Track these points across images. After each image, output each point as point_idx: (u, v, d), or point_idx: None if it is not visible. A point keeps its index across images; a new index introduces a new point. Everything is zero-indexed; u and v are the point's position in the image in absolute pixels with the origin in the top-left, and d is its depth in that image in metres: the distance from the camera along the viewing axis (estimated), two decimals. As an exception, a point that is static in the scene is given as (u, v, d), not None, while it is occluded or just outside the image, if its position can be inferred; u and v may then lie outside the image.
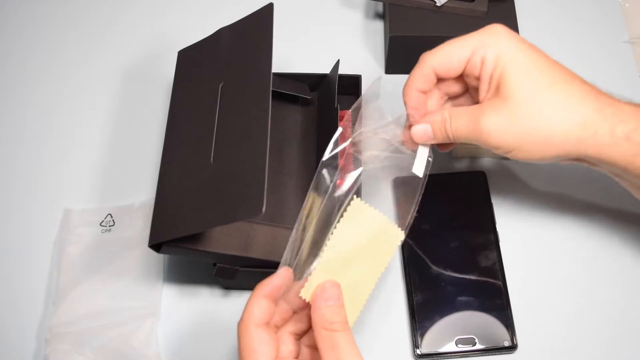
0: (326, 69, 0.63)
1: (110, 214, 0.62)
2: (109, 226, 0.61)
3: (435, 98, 0.52)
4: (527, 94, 0.46)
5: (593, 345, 0.56)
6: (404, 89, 0.51)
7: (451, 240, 0.60)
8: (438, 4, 0.65)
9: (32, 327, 0.58)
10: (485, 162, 0.64)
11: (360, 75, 0.64)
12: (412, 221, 0.49)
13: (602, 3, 0.74)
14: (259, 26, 0.54)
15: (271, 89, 0.49)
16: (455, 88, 0.51)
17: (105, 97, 0.70)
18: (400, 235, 0.46)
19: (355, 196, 0.46)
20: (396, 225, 0.47)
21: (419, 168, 0.51)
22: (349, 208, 0.46)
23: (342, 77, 0.61)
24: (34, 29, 0.74)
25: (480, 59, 0.47)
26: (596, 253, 0.60)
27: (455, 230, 0.60)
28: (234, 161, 0.49)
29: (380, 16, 0.73)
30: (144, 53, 0.72)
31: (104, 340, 0.56)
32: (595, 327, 0.57)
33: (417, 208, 0.50)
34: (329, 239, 0.45)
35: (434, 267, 0.58)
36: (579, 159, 0.49)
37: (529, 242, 0.60)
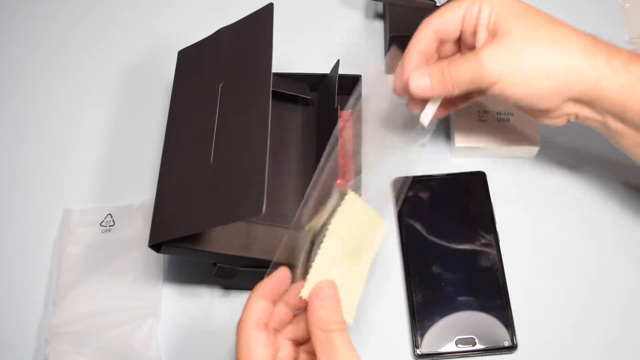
0: (326, 69, 0.63)
1: (110, 214, 0.62)
2: (109, 226, 0.61)
3: (427, 42, 0.53)
4: (525, 31, 0.48)
5: (593, 345, 0.56)
6: (404, 54, 0.52)
7: (451, 240, 0.60)
8: (438, 4, 0.65)
9: (32, 327, 0.58)
10: (485, 162, 0.64)
11: (360, 75, 0.64)
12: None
13: (602, 3, 0.74)
14: (259, 26, 0.54)
15: (271, 89, 0.49)
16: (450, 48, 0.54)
17: (105, 97, 0.70)
18: (384, 228, 0.47)
19: (349, 190, 0.47)
20: (381, 217, 0.47)
21: (425, 119, 0.53)
22: (343, 202, 0.46)
23: (342, 77, 0.61)
24: (34, 29, 0.74)
25: (476, 11, 0.49)
26: (596, 253, 0.60)
27: (456, 230, 0.60)
28: (234, 161, 0.49)
29: (380, 16, 0.73)
30: (144, 53, 0.72)
31: (104, 340, 0.56)
32: (596, 327, 0.57)
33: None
34: (324, 236, 0.45)
35: (434, 267, 0.58)
36: (578, 100, 0.49)
37: (529, 242, 0.60)
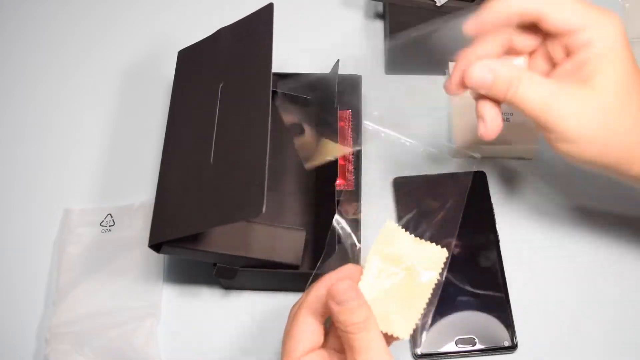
0: (326, 69, 0.63)
1: (110, 214, 0.62)
2: (109, 226, 0.61)
3: (493, 43, 0.47)
4: (623, 89, 0.43)
5: (593, 346, 0.56)
6: (485, 10, 0.44)
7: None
8: (438, 4, 0.65)
9: (32, 327, 0.58)
10: (485, 162, 0.64)
11: (360, 75, 0.64)
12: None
13: (602, 3, 0.73)
14: (259, 26, 0.54)
15: (271, 89, 0.49)
16: (527, 43, 0.46)
17: (105, 97, 0.70)
18: (444, 253, 0.46)
19: (388, 219, 0.46)
20: (435, 245, 0.46)
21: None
22: (382, 230, 0.46)
23: (342, 77, 0.61)
24: (34, 29, 0.74)
25: (587, 37, 0.43)
26: (596, 253, 0.60)
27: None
28: (234, 161, 0.49)
29: (380, 16, 0.73)
30: (144, 53, 0.72)
31: (104, 340, 0.56)
32: (596, 327, 0.57)
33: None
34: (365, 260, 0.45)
35: (434, 267, 0.58)
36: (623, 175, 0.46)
37: (529, 242, 0.60)
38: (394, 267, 0.45)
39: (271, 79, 0.50)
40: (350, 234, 0.56)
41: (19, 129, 0.68)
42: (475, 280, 0.58)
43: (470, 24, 0.45)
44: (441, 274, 0.45)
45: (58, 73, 0.71)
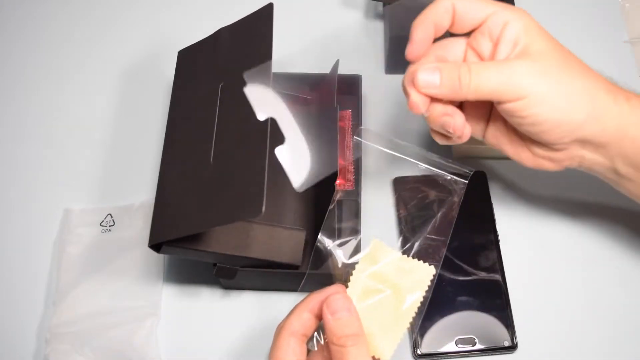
0: (326, 69, 0.63)
1: (110, 214, 0.62)
2: (109, 226, 0.61)
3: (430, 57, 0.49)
4: (559, 56, 0.46)
5: (593, 346, 0.56)
6: (414, 21, 0.48)
7: (451, 240, 0.59)
8: (438, 4, 0.65)
9: (32, 327, 0.58)
10: (486, 162, 0.64)
11: (360, 75, 0.64)
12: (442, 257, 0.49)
13: (602, 3, 0.74)
14: (258, 26, 0.54)
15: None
16: (459, 50, 0.50)
17: (105, 97, 0.70)
18: (431, 270, 0.47)
19: (374, 238, 0.48)
20: (423, 262, 0.47)
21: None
22: (367, 250, 0.47)
23: (342, 77, 0.61)
24: (34, 29, 0.74)
25: (502, 21, 0.46)
26: (596, 253, 0.60)
27: (455, 230, 0.60)
28: (234, 161, 0.49)
29: (380, 16, 0.73)
30: (144, 53, 0.72)
31: (104, 340, 0.56)
32: (596, 327, 0.57)
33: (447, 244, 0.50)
34: (351, 275, 0.46)
35: (434, 267, 0.58)
36: (590, 142, 0.47)
37: (529, 242, 0.60)
38: (379, 285, 0.45)
39: (271, 78, 0.50)
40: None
41: (19, 129, 0.68)
42: (475, 280, 0.58)
43: (410, 52, 0.48)
44: (427, 292, 0.46)
45: (58, 73, 0.71)
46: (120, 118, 0.68)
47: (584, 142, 0.47)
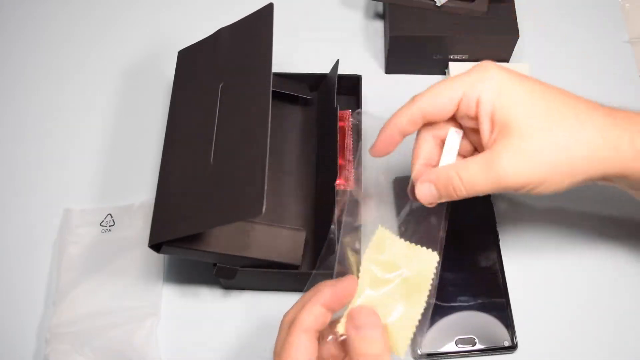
0: (326, 69, 0.63)
1: (110, 214, 0.62)
2: (109, 226, 0.61)
3: (429, 144, 0.49)
4: (540, 127, 0.43)
5: (593, 346, 0.56)
6: (385, 124, 0.48)
7: (451, 241, 0.59)
8: (438, 4, 0.65)
9: (32, 327, 0.58)
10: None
11: (360, 75, 0.64)
12: (443, 242, 0.48)
13: (602, 3, 0.74)
14: (259, 26, 0.54)
15: (271, 88, 0.49)
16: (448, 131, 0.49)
17: (105, 97, 0.70)
18: (435, 257, 0.46)
19: (380, 225, 0.47)
20: (426, 249, 0.46)
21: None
22: (374, 237, 0.46)
23: (342, 77, 0.61)
24: (34, 29, 0.74)
25: (474, 99, 0.45)
26: (596, 253, 0.60)
27: (455, 230, 0.60)
28: (234, 161, 0.49)
29: (380, 16, 0.73)
30: (144, 53, 0.72)
31: (104, 340, 0.56)
32: (595, 328, 0.57)
33: (446, 228, 0.49)
34: (360, 264, 0.45)
35: (434, 267, 0.58)
36: (602, 179, 0.46)
37: (529, 242, 0.60)
38: (387, 275, 0.44)
39: (271, 78, 0.50)
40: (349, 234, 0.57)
41: (19, 129, 0.68)
42: (475, 280, 0.58)
43: (372, 152, 0.49)
44: (434, 279, 0.45)
45: (58, 73, 0.71)
46: (120, 118, 0.68)
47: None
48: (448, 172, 0.45)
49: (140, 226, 0.61)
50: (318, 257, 0.55)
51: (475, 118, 0.45)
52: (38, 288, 0.60)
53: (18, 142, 0.67)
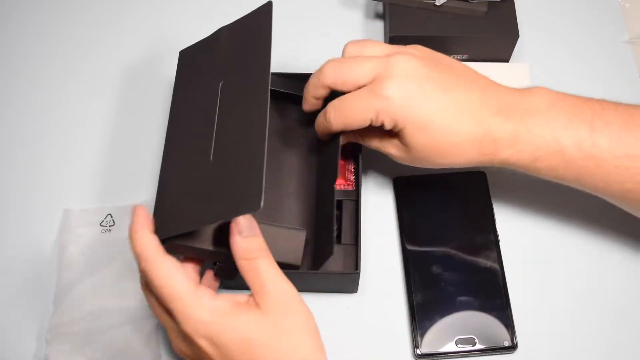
0: (326, 69, 0.63)
1: (110, 214, 0.62)
2: (109, 226, 0.61)
3: None
4: (425, 143, 0.50)
5: (593, 346, 0.56)
6: (305, 87, 0.55)
7: (451, 240, 0.60)
8: (438, 4, 0.65)
9: (32, 327, 0.58)
10: (485, 162, 0.64)
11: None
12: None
13: (602, 3, 0.74)
14: (258, 24, 0.54)
15: (270, 87, 0.49)
16: None
17: (105, 97, 0.70)
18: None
19: None
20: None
21: None
22: None
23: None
24: (35, 29, 0.74)
25: (380, 122, 0.51)
26: (596, 253, 0.60)
27: (455, 230, 0.60)
28: (233, 158, 0.49)
29: (380, 16, 0.73)
30: (145, 53, 0.72)
31: (104, 340, 0.56)
32: (595, 328, 0.57)
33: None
34: None
35: (434, 267, 0.58)
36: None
37: (529, 242, 0.60)
38: None
39: (269, 76, 0.50)
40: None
41: (20, 129, 0.68)
42: (475, 280, 0.58)
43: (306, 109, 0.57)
44: None
45: (58, 73, 0.71)
46: (121, 118, 0.68)
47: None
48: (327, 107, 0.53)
49: (140, 226, 0.61)
50: (317, 257, 0.55)
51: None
52: (38, 288, 0.60)
53: (18, 142, 0.67)
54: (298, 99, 0.63)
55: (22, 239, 0.62)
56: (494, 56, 0.68)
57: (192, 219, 0.48)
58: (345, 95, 0.52)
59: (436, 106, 0.49)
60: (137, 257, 0.44)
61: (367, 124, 0.51)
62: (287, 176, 0.60)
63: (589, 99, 0.51)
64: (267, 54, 0.50)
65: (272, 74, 0.52)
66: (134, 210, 0.46)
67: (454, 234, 0.60)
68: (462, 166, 0.52)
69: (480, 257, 0.59)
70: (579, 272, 0.59)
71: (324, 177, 0.58)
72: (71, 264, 0.59)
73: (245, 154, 0.48)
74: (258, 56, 0.51)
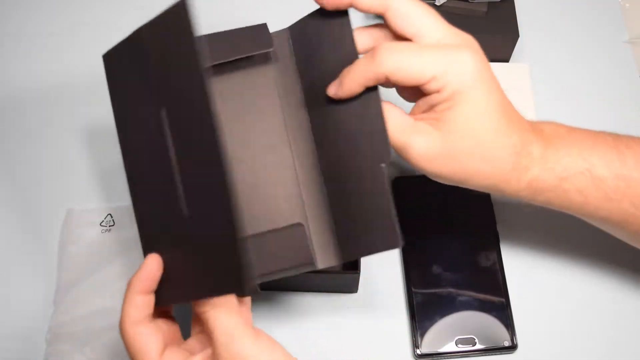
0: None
1: (110, 214, 0.62)
2: (109, 226, 0.61)
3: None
4: (473, 131, 0.44)
5: (593, 346, 0.56)
6: (351, 73, 0.45)
7: (451, 240, 0.60)
8: (437, 4, 0.65)
9: (32, 327, 0.58)
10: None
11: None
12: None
13: (602, 3, 0.74)
14: (177, 22, 0.42)
15: (213, 99, 0.39)
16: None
17: (105, 96, 0.69)
18: None
19: None
20: None
21: None
22: None
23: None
24: (35, 28, 0.74)
25: (437, 86, 0.44)
26: (597, 252, 0.60)
27: (455, 230, 0.60)
28: (207, 216, 0.41)
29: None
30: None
31: (104, 340, 0.56)
32: (596, 327, 0.57)
33: None
34: None
35: (434, 267, 0.58)
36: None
37: (529, 242, 0.60)
38: None
39: (206, 80, 0.39)
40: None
41: (20, 129, 0.68)
42: (475, 280, 0.58)
43: (332, 90, 0.46)
44: None
45: (59, 72, 0.71)
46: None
47: None
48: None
49: (140, 226, 0.61)
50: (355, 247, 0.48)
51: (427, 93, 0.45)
52: (38, 288, 0.60)
53: (19, 142, 0.67)
54: (263, 58, 0.50)
55: (23, 239, 0.62)
56: (494, 56, 0.68)
57: (186, 293, 0.44)
58: (410, 43, 0.45)
59: (499, 98, 0.45)
60: (121, 318, 0.43)
61: (425, 79, 0.44)
62: (272, 153, 0.50)
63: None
64: (194, 54, 0.40)
65: (211, 36, 0.47)
66: (145, 260, 0.44)
67: (454, 233, 0.60)
68: (483, 181, 0.46)
69: (480, 257, 0.59)
70: (579, 272, 0.59)
71: (325, 141, 0.48)
72: (71, 264, 0.59)
73: (214, 206, 0.40)
74: (187, 61, 0.41)
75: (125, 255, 0.60)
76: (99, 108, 0.69)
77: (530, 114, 0.66)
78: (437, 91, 0.44)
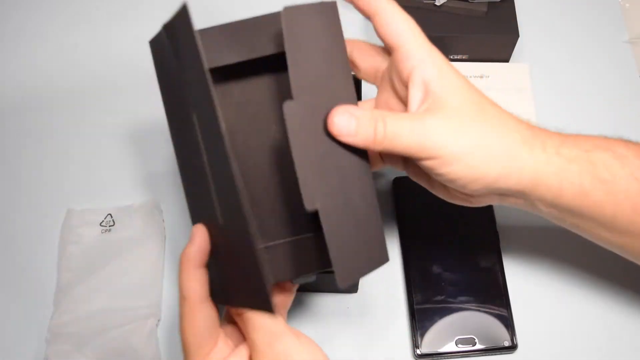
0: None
1: (110, 214, 0.62)
2: (109, 226, 0.61)
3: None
4: (475, 109, 0.44)
5: (593, 346, 0.56)
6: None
7: (451, 240, 0.60)
8: (437, 4, 0.65)
9: (32, 327, 0.58)
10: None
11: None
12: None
13: (602, 3, 0.74)
14: (181, 29, 0.44)
15: (217, 99, 0.39)
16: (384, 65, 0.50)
17: (106, 96, 0.70)
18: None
19: None
20: None
21: None
22: None
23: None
24: (35, 27, 0.74)
25: (410, 67, 0.45)
26: (597, 252, 0.60)
27: (455, 230, 0.60)
28: (233, 227, 0.41)
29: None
30: (146, 52, 0.72)
31: (104, 340, 0.56)
32: (596, 327, 0.57)
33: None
34: None
35: (434, 267, 0.58)
36: (507, 193, 0.46)
37: (529, 242, 0.60)
38: None
39: (212, 90, 0.39)
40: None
41: (20, 129, 0.68)
42: (475, 280, 0.58)
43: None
44: None
45: (59, 72, 0.71)
46: (122, 118, 0.68)
47: (500, 192, 0.46)
48: (375, 113, 0.43)
49: (140, 226, 0.61)
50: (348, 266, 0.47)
51: (407, 84, 0.45)
52: (38, 288, 0.60)
53: (19, 142, 0.67)
54: (266, 64, 0.47)
55: (23, 239, 0.62)
56: (493, 56, 0.68)
57: (223, 296, 0.44)
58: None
59: (488, 107, 0.45)
60: (180, 299, 0.42)
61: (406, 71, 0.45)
62: (266, 171, 0.48)
63: None
64: (198, 60, 0.40)
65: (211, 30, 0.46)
66: (192, 231, 0.42)
67: (454, 234, 0.60)
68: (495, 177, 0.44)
69: (480, 257, 0.59)
70: (579, 272, 0.59)
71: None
72: (71, 264, 0.59)
73: (239, 222, 0.40)
74: (193, 66, 0.41)
75: (125, 256, 0.60)
76: (99, 108, 0.70)
77: (530, 114, 0.66)
78: (410, 72, 0.46)
